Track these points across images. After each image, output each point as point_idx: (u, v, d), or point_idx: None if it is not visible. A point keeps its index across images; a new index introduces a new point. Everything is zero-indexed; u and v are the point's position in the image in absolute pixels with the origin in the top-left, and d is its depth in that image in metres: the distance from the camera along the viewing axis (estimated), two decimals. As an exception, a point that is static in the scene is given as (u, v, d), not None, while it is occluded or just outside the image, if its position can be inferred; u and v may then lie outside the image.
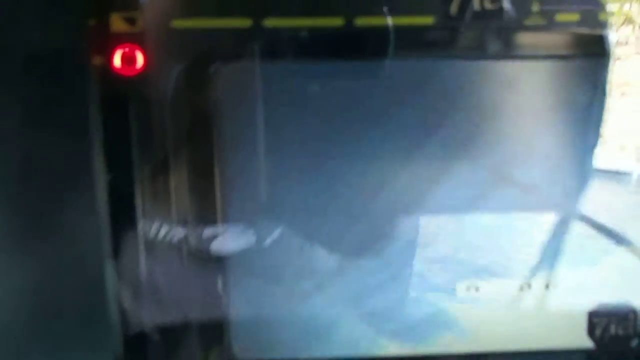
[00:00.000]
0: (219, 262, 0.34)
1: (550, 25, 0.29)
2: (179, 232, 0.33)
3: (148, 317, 0.32)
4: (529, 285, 0.35)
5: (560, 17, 0.29)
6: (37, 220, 0.27)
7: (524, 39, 0.30)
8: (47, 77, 0.26)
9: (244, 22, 0.29)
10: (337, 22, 0.28)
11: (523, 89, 0.33)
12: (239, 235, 0.35)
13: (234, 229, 0.34)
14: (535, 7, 0.28)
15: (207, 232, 0.34)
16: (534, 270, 0.36)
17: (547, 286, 0.35)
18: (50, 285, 0.27)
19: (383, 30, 0.29)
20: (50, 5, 0.26)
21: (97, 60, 0.28)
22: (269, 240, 0.35)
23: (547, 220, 0.36)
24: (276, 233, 0.35)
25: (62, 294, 0.27)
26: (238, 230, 0.34)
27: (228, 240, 0.35)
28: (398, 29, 0.28)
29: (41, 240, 0.27)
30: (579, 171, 0.34)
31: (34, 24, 0.26)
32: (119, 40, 0.29)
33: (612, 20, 0.30)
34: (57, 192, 0.27)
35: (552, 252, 0.37)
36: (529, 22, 0.29)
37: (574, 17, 0.29)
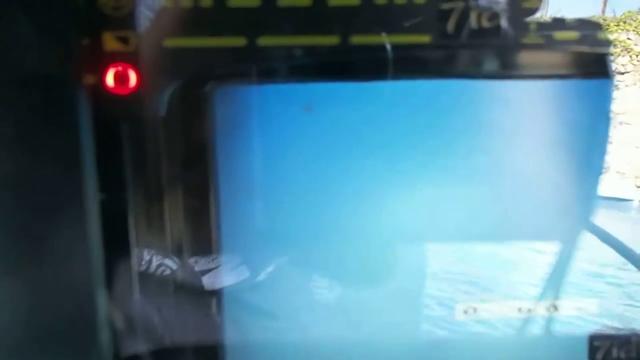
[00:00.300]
0: (213, 292, 0.33)
1: (548, 43, 0.29)
2: (172, 261, 0.33)
3: (140, 344, 0.32)
4: (529, 308, 0.35)
5: (559, 36, 0.28)
6: (27, 244, 0.26)
7: (522, 58, 0.30)
8: (38, 97, 0.26)
9: (237, 41, 0.28)
10: (332, 40, 0.28)
11: (523, 111, 0.32)
12: (234, 267, 0.34)
13: (229, 260, 0.34)
14: (533, 26, 0.28)
15: (201, 262, 0.33)
16: (535, 293, 0.35)
17: (547, 309, 0.34)
18: (40, 310, 0.27)
19: (379, 48, 0.28)
20: (42, 25, 0.26)
21: (89, 79, 0.28)
22: (265, 272, 0.35)
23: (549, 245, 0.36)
24: (273, 264, 0.35)
25: (53, 319, 0.27)
26: (233, 262, 0.34)
27: (223, 273, 0.34)
28: (394, 48, 0.28)
29: (31, 264, 0.26)
30: (583, 198, 0.34)
31: (25, 43, 0.26)
32: (111, 59, 0.28)
33: (612, 40, 0.30)
34: (48, 214, 0.26)
35: (553, 275, 0.36)
36: (527, 40, 0.28)
37: (573, 35, 0.29)
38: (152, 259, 0.34)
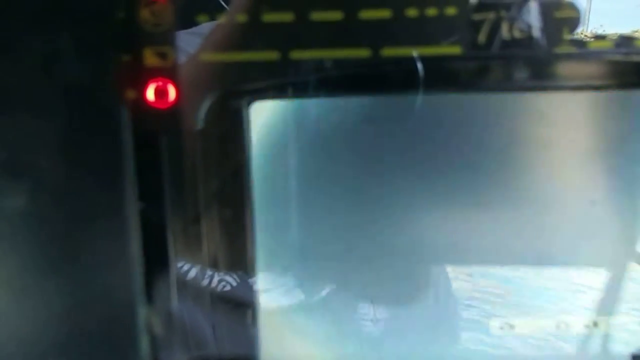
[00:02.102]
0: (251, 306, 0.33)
1: (583, 53, 0.28)
2: (233, 278, 0.33)
3: (179, 351, 0.32)
4: (567, 325, 0.34)
5: (593, 44, 0.28)
6: (68, 251, 0.27)
7: (556, 68, 0.29)
8: (81, 110, 0.27)
9: (271, 55, 0.29)
10: (363, 53, 0.29)
11: (560, 124, 0.32)
12: (290, 289, 0.35)
13: (285, 281, 0.34)
14: (566, 35, 0.28)
15: (239, 279, 0.34)
16: (574, 309, 0.34)
17: (587, 326, 0.33)
18: (80, 314, 0.28)
19: (410, 61, 0.29)
20: (85, 40, 0.27)
21: (130, 93, 0.29)
22: (316, 295, 0.34)
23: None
24: (324, 288, 0.35)
25: (93, 326, 0.28)
26: (290, 284, 0.34)
27: (279, 293, 0.34)
28: (425, 60, 0.28)
29: (72, 269, 0.28)
30: (627, 217, 0.33)
31: (69, 57, 0.27)
32: (152, 74, 0.29)
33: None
34: (89, 221, 0.27)
35: (594, 291, 0.35)
36: (560, 50, 0.28)
37: (607, 44, 0.28)
38: (214, 274, 0.34)
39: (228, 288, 0.34)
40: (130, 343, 0.28)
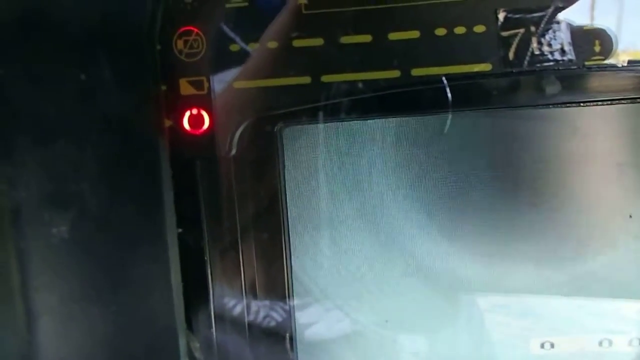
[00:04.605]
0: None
1: (614, 66, 0.28)
2: (278, 314, 0.33)
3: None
4: (610, 342, 0.33)
5: (624, 57, 0.28)
6: (111, 276, 0.28)
7: (588, 82, 0.29)
8: (120, 138, 0.28)
9: (302, 80, 0.30)
10: (393, 74, 0.29)
11: (595, 138, 0.31)
12: (334, 322, 0.34)
13: (330, 313, 0.34)
14: (597, 47, 0.28)
15: (277, 308, 0.33)
16: (616, 326, 0.33)
17: (630, 343, 0.33)
18: (122, 338, 0.28)
19: (440, 80, 0.29)
20: (124, 71, 0.28)
21: (167, 121, 0.30)
22: (360, 328, 0.34)
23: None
24: (365, 320, 0.35)
25: (135, 350, 0.28)
26: (333, 316, 0.34)
27: (323, 326, 0.34)
28: (456, 78, 0.29)
29: (115, 296, 0.28)
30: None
31: (109, 88, 0.28)
32: (187, 102, 0.30)
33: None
34: (131, 247, 0.28)
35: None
36: (590, 63, 0.28)
37: (639, 55, 0.28)
38: (259, 310, 0.34)
39: (273, 323, 0.34)
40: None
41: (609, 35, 0.28)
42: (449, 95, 0.29)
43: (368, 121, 0.32)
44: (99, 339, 0.27)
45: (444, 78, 0.29)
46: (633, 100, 0.30)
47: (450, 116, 0.30)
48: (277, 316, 0.34)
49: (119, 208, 0.27)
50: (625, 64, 0.28)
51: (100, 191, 0.27)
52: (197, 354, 0.31)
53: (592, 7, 0.28)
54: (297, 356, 0.34)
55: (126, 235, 0.27)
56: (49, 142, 0.26)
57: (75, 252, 0.26)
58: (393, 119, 0.32)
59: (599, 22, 0.28)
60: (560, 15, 0.28)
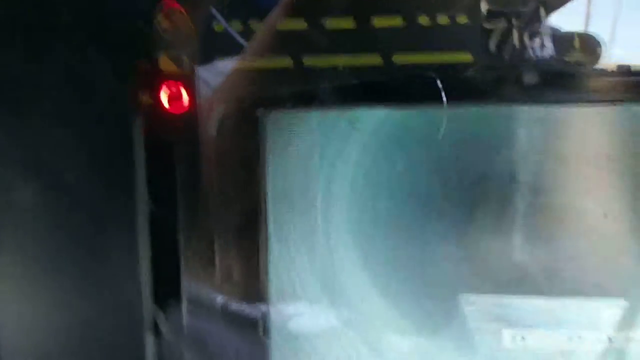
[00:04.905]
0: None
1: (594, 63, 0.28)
2: (222, 285, 0.33)
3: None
4: (580, 338, 0.33)
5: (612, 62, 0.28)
6: (78, 248, 0.28)
7: (568, 78, 0.29)
8: (97, 112, 0.28)
9: (285, 63, 0.30)
10: (375, 60, 0.29)
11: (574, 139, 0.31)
12: (286, 309, 0.34)
13: (281, 298, 0.34)
14: (577, 43, 0.28)
15: (252, 293, 0.33)
16: (586, 322, 0.34)
17: (599, 339, 0.33)
18: (87, 312, 0.28)
19: (422, 69, 0.29)
20: (103, 46, 0.28)
21: (144, 97, 0.30)
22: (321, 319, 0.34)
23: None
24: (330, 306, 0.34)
25: (98, 322, 0.28)
26: (285, 301, 0.34)
27: (306, 318, 0.34)
28: (436, 68, 0.29)
29: (83, 277, 0.28)
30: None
31: (87, 62, 0.27)
32: (167, 80, 0.30)
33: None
34: (101, 224, 0.28)
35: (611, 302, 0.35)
36: (570, 59, 0.28)
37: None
38: (233, 294, 0.33)
39: (247, 310, 0.33)
40: (137, 338, 0.28)
41: (591, 36, 0.28)
42: (439, 85, 0.29)
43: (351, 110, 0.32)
44: (62, 311, 0.27)
45: (434, 75, 0.28)
46: (612, 101, 0.30)
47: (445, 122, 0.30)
48: (252, 301, 0.33)
49: (88, 182, 0.27)
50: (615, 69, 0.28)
51: (69, 163, 0.26)
52: (163, 327, 0.31)
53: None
54: (270, 340, 0.34)
55: (94, 210, 0.27)
56: (22, 111, 0.25)
57: (40, 221, 0.26)
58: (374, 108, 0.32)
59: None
60: (543, 11, 0.28)
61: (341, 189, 0.33)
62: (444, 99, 0.29)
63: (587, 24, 0.29)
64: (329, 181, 0.33)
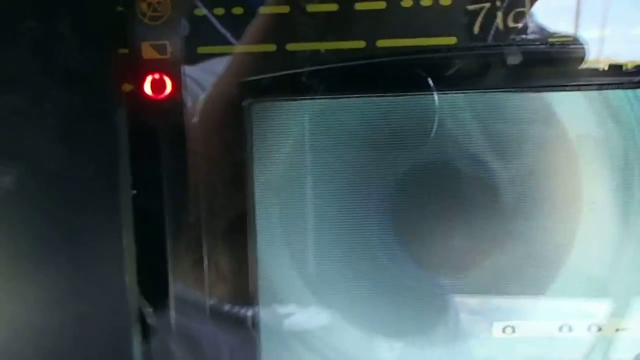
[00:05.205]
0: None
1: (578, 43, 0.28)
2: (210, 277, 0.33)
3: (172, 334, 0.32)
4: (570, 327, 0.33)
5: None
6: (64, 236, 0.27)
7: (552, 61, 0.29)
8: (80, 100, 0.28)
9: (268, 48, 0.29)
10: (358, 44, 0.29)
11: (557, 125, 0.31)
12: (275, 307, 0.34)
13: (270, 289, 0.33)
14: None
15: (241, 287, 0.33)
16: (576, 312, 0.33)
17: (589, 328, 0.32)
18: (70, 300, 0.27)
19: (406, 53, 0.29)
20: (85, 33, 0.27)
21: (128, 85, 0.30)
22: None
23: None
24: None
25: (82, 310, 0.27)
26: (274, 294, 0.33)
27: (300, 317, 0.33)
28: (421, 51, 0.28)
29: (64, 256, 0.27)
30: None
31: (69, 49, 0.27)
32: (149, 66, 0.30)
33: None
34: (81, 208, 0.27)
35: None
36: (554, 40, 0.28)
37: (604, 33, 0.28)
38: (222, 287, 0.33)
39: (236, 304, 0.33)
40: (123, 332, 0.28)
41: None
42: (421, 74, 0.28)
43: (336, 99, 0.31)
44: (45, 298, 0.26)
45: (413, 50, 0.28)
46: (599, 86, 0.30)
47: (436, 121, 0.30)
48: (241, 296, 0.33)
49: (69, 173, 0.27)
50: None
51: (52, 148, 0.26)
52: (150, 320, 0.30)
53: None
54: (259, 335, 0.33)
55: (77, 195, 0.27)
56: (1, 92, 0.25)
57: (20, 206, 0.26)
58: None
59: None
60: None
61: (328, 178, 0.33)
62: (431, 85, 0.29)
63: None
64: (316, 170, 0.33)
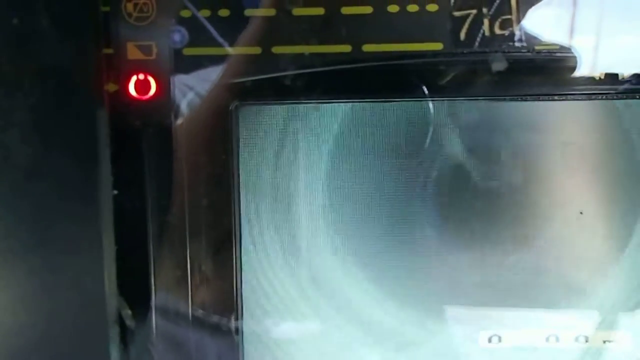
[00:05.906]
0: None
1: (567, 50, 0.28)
2: (193, 280, 0.32)
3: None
4: (557, 338, 0.32)
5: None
6: (39, 234, 0.27)
7: (538, 69, 0.29)
8: (64, 98, 0.27)
9: (253, 50, 0.29)
10: (344, 49, 0.29)
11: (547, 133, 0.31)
12: (259, 301, 0.33)
13: (253, 292, 0.33)
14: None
15: (224, 290, 0.32)
16: (563, 322, 0.33)
17: (576, 339, 0.32)
18: (46, 298, 0.27)
19: (392, 58, 0.28)
20: (69, 33, 0.27)
21: (113, 85, 0.29)
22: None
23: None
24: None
25: (59, 309, 0.27)
26: (257, 296, 0.33)
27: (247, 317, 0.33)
28: (407, 56, 0.28)
29: (41, 256, 0.27)
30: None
31: (53, 49, 0.27)
32: (134, 67, 0.30)
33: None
34: (62, 206, 0.27)
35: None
36: (540, 48, 0.28)
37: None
38: (204, 290, 0.33)
39: (219, 307, 0.32)
40: (100, 334, 0.27)
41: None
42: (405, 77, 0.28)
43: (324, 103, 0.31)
44: (21, 296, 0.26)
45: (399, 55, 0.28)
46: (589, 95, 0.30)
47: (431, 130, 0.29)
48: (224, 299, 0.33)
49: (48, 166, 0.26)
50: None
51: (29, 145, 0.26)
52: (129, 322, 0.30)
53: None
54: (242, 340, 0.33)
55: (54, 195, 0.26)
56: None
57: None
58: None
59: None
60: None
61: (314, 181, 0.32)
62: (421, 89, 0.29)
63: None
64: (300, 172, 0.32)
